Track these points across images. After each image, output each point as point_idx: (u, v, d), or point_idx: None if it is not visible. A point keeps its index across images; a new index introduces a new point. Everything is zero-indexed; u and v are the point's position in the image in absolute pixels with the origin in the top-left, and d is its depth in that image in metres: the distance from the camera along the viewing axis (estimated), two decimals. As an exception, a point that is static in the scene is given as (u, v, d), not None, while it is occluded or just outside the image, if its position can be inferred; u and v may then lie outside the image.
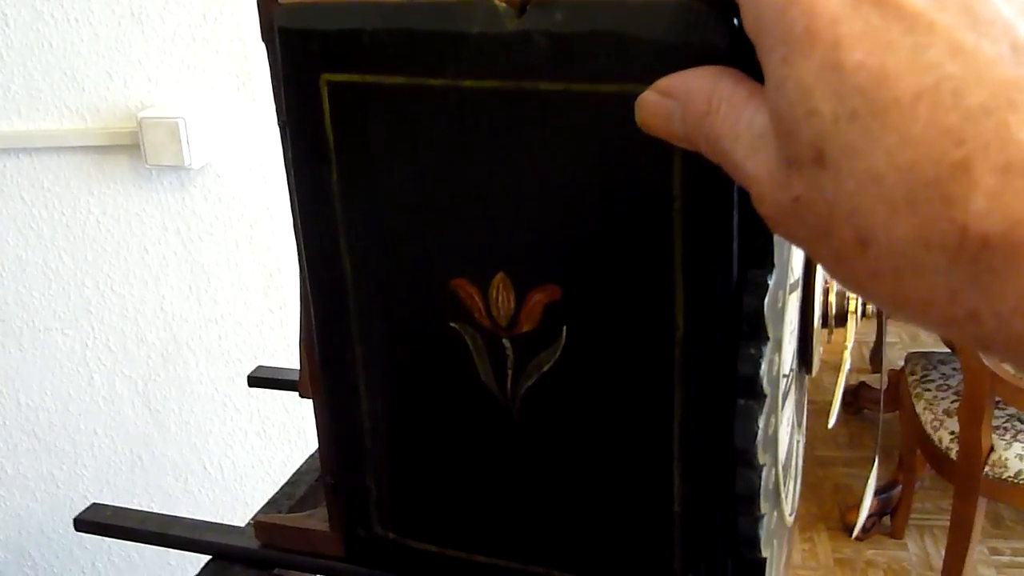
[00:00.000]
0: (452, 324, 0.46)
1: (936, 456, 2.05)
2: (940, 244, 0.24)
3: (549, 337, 0.45)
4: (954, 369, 2.16)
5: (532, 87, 0.41)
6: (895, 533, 2.42)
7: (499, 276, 0.44)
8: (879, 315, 0.55)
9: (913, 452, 2.26)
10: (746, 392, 0.42)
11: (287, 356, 1.54)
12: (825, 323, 0.51)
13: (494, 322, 0.45)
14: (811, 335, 0.50)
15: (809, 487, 2.59)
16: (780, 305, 0.43)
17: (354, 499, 0.53)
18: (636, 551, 0.47)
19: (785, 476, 0.49)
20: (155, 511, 0.64)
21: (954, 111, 0.24)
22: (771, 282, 0.41)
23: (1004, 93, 0.23)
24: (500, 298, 0.45)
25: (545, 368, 0.45)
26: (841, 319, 0.51)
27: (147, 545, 1.60)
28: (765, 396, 0.42)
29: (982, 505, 1.96)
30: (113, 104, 1.43)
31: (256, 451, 1.61)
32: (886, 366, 2.86)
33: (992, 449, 1.89)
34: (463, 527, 0.51)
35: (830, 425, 0.51)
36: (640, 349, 0.43)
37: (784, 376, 0.46)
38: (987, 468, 1.90)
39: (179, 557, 1.73)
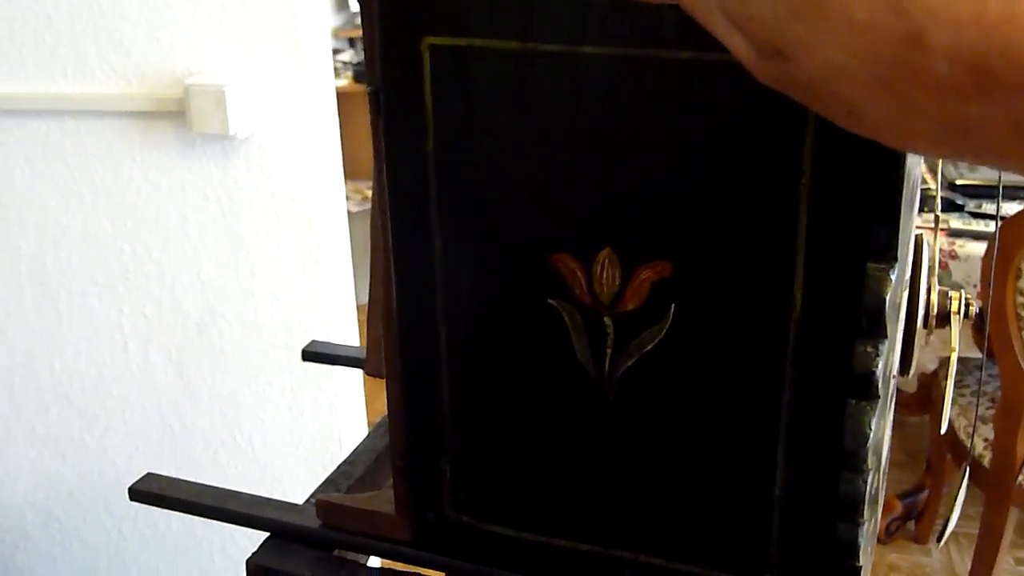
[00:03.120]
0: (550, 301, 0.45)
1: (968, 463, 2.02)
2: (921, 110, 0.24)
3: (655, 315, 0.43)
4: (990, 375, 2.13)
5: (657, 55, 0.39)
6: (919, 538, 2.39)
7: (605, 251, 0.43)
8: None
9: (942, 457, 2.23)
10: (860, 392, 0.40)
11: (323, 331, 1.53)
12: (926, 323, 0.49)
13: (596, 299, 0.44)
14: (913, 335, 0.48)
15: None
16: (898, 302, 0.41)
17: (425, 482, 0.51)
18: (731, 535, 0.46)
19: (883, 481, 0.47)
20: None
21: None
22: (893, 277, 0.39)
23: None
24: (605, 274, 0.43)
25: (648, 348, 0.44)
26: (943, 319, 0.49)
27: (174, 513, 1.58)
28: (879, 397, 0.40)
29: (1013, 514, 1.93)
30: (160, 69, 1.42)
31: (287, 425, 1.60)
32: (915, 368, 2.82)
33: (1028, 458, 1.86)
34: (545, 510, 0.49)
35: (942, 430, 0.48)
36: (753, 327, 0.42)
37: (893, 377, 0.44)
38: (1021, 476, 1.87)
39: (205, 527, 1.72)
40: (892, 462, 2.68)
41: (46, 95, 1.45)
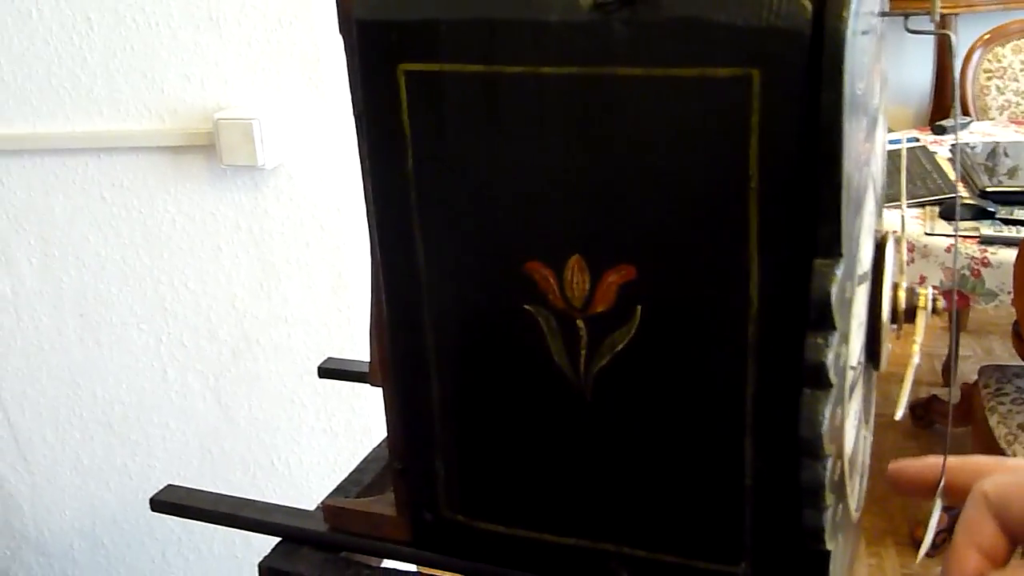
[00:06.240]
0: (526, 307, 0.47)
1: (1009, 471, 2.00)
2: None
3: (623, 317, 0.46)
4: (1030, 383, 2.11)
5: (610, 72, 0.42)
6: (965, 550, 2.36)
7: (574, 258, 0.46)
8: (954, 327, 0.54)
9: (985, 467, 2.20)
10: (812, 381, 0.42)
11: (354, 354, 1.56)
12: (894, 319, 0.51)
13: (568, 303, 0.46)
14: (879, 330, 0.50)
15: (877, 501, 2.54)
16: (848, 296, 0.43)
17: (422, 483, 0.54)
18: (707, 524, 0.48)
19: (851, 470, 0.49)
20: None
21: None
22: (839, 273, 0.41)
23: None
24: (575, 280, 0.46)
25: (619, 348, 0.46)
26: (910, 315, 0.51)
27: (216, 538, 1.62)
28: (831, 386, 0.42)
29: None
30: (190, 105, 1.47)
31: (322, 447, 1.64)
32: (957, 379, 2.80)
33: (1068, 465, 1.84)
34: (533, 507, 0.52)
35: (897, 416, 0.50)
36: (714, 325, 0.44)
37: (851, 368, 0.46)
38: (1062, 484, 1.85)
39: (246, 550, 1.76)
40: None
41: (83, 133, 1.51)
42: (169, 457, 1.70)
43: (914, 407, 2.73)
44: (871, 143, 0.47)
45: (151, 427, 1.68)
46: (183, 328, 1.61)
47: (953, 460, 0.40)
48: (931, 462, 0.41)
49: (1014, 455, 1.95)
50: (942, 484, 0.40)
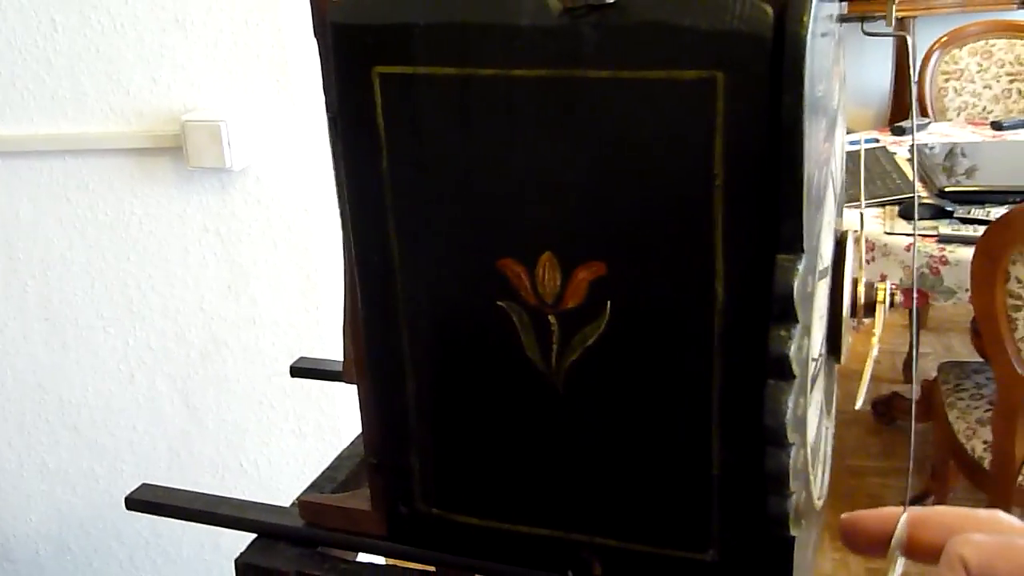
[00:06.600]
0: (499, 303, 0.49)
1: (969, 466, 2.04)
2: None
3: (594, 312, 0.47)
4: (987, 378, 2.16)
5: (580, 75, 0.43)
6: (927, 543, 2.39)
7: (546, 255, 0.47)
8: (914, 325, 0.56)
9: (946, 462, 2.24)
10: (775, 372, 0.44)
11: (323, 354, 1.57)
12: (854, 312, 0.53)
13: (540, 299, 0.48)
14: (840, 323, 0.52)
15: (841, 497, 2.58)
16: (809, 290, 0.45)
17: (397, 477, 0.55)
18: (676, 514, 0.49)
19: (814, 459, 0.50)
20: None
21: None
22: (801, 267, 0.43)
23: None
24: (547, 276, 0.47)
25: (589, 342, 0.48)
26: (870, 309, 0.53)
27: (184, 540, 1.61)
28: (794, 377, 0.43)
29: (1015, 515, 1.94)
30: (157, 107, 1.47)
31: (292, 448, 1.64)
32: (917, 375, 2.84)
33: (1027, 457, 1.89)
34: (507, 499, 0.53)
35: (857, 406, 0.52)
36: (682, 319, 0.46)
37: (813, 360, 0.47)
38: (1020, 477, 1.89)
39: (215, 553, 1.76)
40: (899, 470, 2.69)
41: (48, 135, 1.50)
42: (137, 460, 1.69)
43: (876, 404, 2.78)
44: (831, 143, 0.49)
45: (118, 431, 1.68)
46: (150, 331, 1.60)
47: (916, 513, 0.37)
48: (888, 513, 0.38)
49: (973, 450, 1.99)
50: (898, 535, 0.37)
